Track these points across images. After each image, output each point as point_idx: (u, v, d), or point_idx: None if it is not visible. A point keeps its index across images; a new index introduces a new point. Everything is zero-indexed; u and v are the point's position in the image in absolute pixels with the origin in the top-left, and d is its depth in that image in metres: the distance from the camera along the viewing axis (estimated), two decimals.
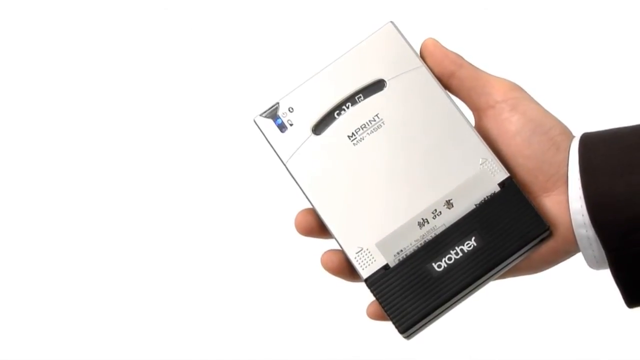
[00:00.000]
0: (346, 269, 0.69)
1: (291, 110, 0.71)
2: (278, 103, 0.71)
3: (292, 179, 0.71)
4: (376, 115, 0.70)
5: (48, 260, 1.24)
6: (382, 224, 0.69)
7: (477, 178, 0.69)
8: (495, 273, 0.68)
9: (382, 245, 0.69)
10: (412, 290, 0.67)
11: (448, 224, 0.69)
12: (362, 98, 0.71)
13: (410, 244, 0.68)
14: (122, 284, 1.24)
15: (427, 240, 0.68)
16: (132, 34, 1.28)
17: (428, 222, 0.69)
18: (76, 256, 1.24)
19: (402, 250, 0.68)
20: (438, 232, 0.68)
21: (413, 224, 0.69)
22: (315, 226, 0.70)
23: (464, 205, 0.69)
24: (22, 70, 1.28)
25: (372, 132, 0.70)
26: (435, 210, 0.69)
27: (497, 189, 0.68)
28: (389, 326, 0.68)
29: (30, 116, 1.27)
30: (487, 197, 0.69)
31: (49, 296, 1.23)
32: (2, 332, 1.23)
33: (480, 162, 0.69)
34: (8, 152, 1.25)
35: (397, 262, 0.68)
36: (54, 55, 1.28)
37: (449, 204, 0.69)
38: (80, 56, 1.28)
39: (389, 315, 0.67)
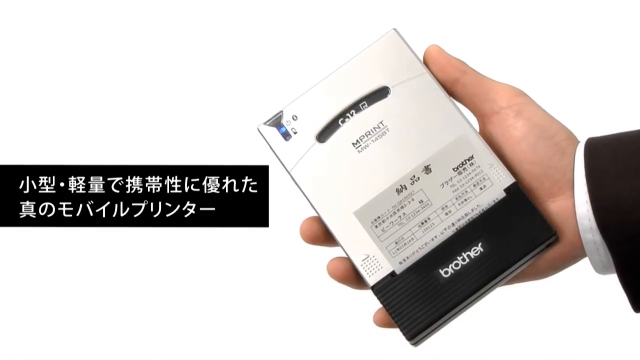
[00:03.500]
0: (352, 277, 0.69)
1: (295, 118, 0.71)
2: (282, 111, 0.71)
3: (296, 187, 0.70)
4: (380, 122, 0.70)
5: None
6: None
7: (455, 144, 0.69)
8: (503, 279, 0.68)
9: (359, 214, 0.69)
10: (420, 297, 0.67)
11: (426, 190, 0.69)
12: (366, 105, 0.71)
13: (388, 211, 0.69)
14: (125, 286, 1.24)
15: (432, 247, 0.68)
16: (135, 39, 1.29)
17: (406, 188, 0.69)
18: (76, 256, 1.24)
19: (379, 217, 0.69)
20: (416, 198, 0.68)
21: (391, 191, 0.69)
22: (320, 234, 0.70)
23: (443, 171, 0.69)
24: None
25: (376, 139, 0.70)
26: (414, 176, 0.69)
27: (503, 194, 0.68)
28: (396, 333, 0.68)
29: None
30: (493, 202, 0.69)
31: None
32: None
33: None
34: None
35: (403, 268, 0.68)
36: (64, 67, 1.29)
37: (427, 169, 0.69)
38: (86, 60, 1.28)
39: (396, 322, 0.67)
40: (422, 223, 0.69)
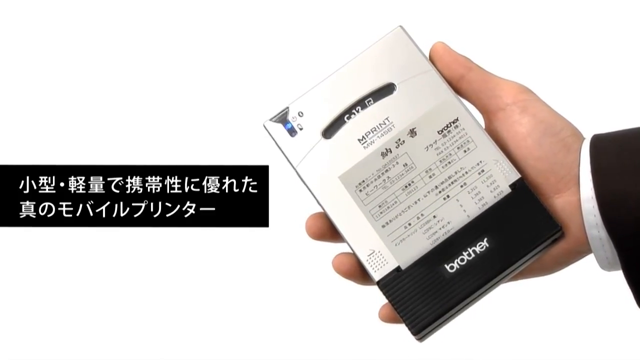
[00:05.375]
0: (358, 272, 0.69)
1: (301, 114, 0.71)
2: (288, 107, 0.71)
3: (302, 183, 0.71)
4: (386, 118, 0.70)
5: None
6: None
7: (441, 107, 0.70)
8: (508, 274, 0.68)
9: (344, 178, 0.69)
10: (425, 292, 0.67)
11: (411, 154, 0.69)
12: (372, 102, 0.71)
13: (372, 174, 0.69)
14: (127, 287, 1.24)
15: (438, 242, 0.68)
16: (135, 39, 1.29)
17: (391, 152, 0.70)
18: (76, 256, 1.24)
19: (364, 181, 0.69)
20: (400, 161, 0.69)
21: (376, 155, 0.70)
22: (326, 230, 0.70)
23: (428, 134, 0.69)
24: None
25: (382, 135, 0.70)
26: (399, 139, 0.70)
27: (509, 190, 0.69)
28: (401, 328, 0.68)
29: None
30: (498, 198, 0.69)
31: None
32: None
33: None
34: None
35: (409, 264, 0.68)
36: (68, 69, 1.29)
37: (412, 132, 0.69)
38: (86, 60, 1.28)
39: (402, 317, 0.67)
40: (406, 186, 0.69)
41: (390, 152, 0.70)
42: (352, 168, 0.70)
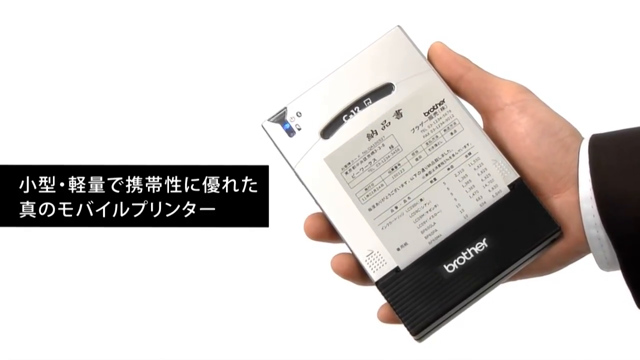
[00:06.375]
0: (356, 272, 0.69)
1: (299, 114, 0.71)
2: (286, 108, 0.71)
3: (300, 183, 0.71)
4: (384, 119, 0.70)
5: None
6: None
7: (426, 89, 0.69)
8: (507, 274, 0.68)
9: (330, 160, 0.69)
10: (424, 292, 0.67)
11: (397, 136, 0.69)
12: (370, 102, 0.71)
13: (358, 157, 0.69)
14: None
15: (436, 243, 0.68)
16: (135, 39, 1.29)
17: (377, 134, 0.69)
18: (76, 256, 1.24)
19: (349, 163, 0.69)
20: (386, 143, 0.69)
21: (362, 136, 0.70)
22: (324, 230, 0.70)
23: (414, 115, 0.69)
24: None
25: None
26: (385, 121, 0.70)
27: (507, 190, 0.69)
28: (400, 329, 0.68)
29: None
30: (497, 198, 0.69)
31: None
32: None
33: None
34: None
35: (408, 264, 0.68)
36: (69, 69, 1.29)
37: (398, 114, 0.69)
38: (86, 60, 1.28)
39: (400, 318, 0.67)
40: (392, 169, 0.69)
41: (376, 133, 0.69)
42: (337, 149, 0.69)
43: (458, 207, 0.69)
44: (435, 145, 0.69)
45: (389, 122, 0.70)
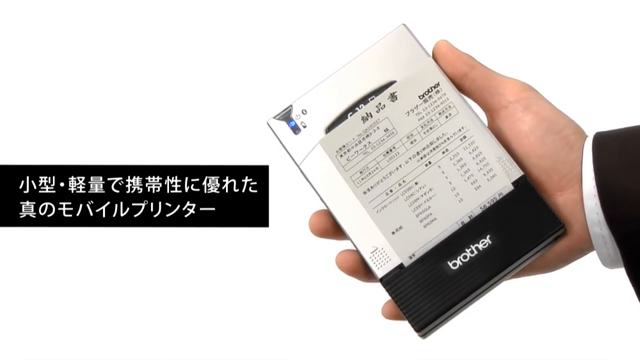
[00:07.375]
0: (361, 269, 0.69)
1: (304, 112, 0.71)
2: (291, 105, 0.72)
3: (306, 180, 0.71)
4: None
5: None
6: None
7: (421, 72, 0.70)
8: (511, 271, 0.68)
9: (325, 142, 0.70)
10: (428, 289, 0.67)
11: (391, 118, 0.69)
12: (374, 99, 0.71)
13: (353, 139, 0.69)
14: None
15: (440, 239, 0.68)
16: (135, 39, 1.29)
17: (371, 116, 0.70)
18: (76, 256, 1.24)
19: (344, 146, 0.69)
20: (381, 126, 0.69)
21: (357, 119, 0.70)
22: (329, 227, 0.70)
23: (408, 98, 0.70)
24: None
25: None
26: (380, 104, 0.70)
27: (511, 187, 0.69)
28: (404, 325, 0.68)
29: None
30: (501, 195, 0.69)
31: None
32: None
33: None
34: None
35: (412, 261, 0.68)
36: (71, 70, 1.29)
37: (392, 96, 0.70)
38: (86, 60, 1.28)
39: (405, 314, 0.67)
40: (387, 152, 0.70)
41: (371, 116, 0.70)
42: (332, 132, 0.70)
43: (453, 190, 0.69)
44: (430, 128, 0.70)
45: (384, 105, 0.70)
